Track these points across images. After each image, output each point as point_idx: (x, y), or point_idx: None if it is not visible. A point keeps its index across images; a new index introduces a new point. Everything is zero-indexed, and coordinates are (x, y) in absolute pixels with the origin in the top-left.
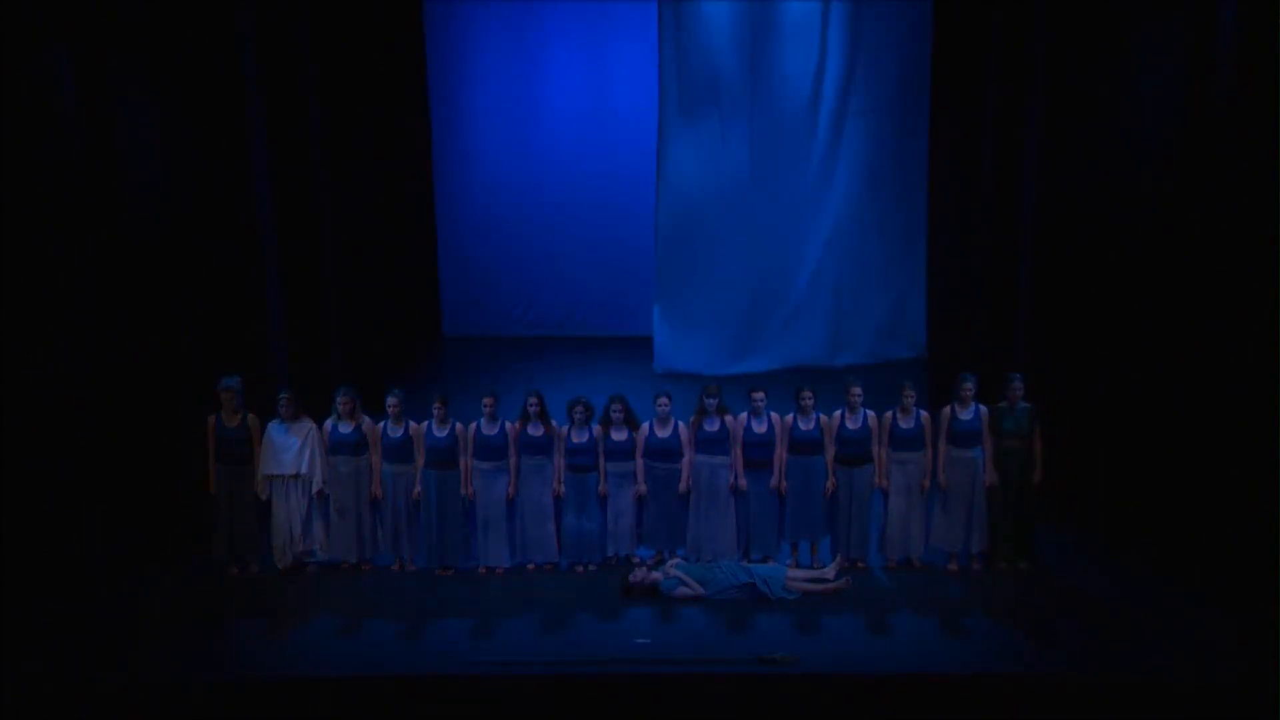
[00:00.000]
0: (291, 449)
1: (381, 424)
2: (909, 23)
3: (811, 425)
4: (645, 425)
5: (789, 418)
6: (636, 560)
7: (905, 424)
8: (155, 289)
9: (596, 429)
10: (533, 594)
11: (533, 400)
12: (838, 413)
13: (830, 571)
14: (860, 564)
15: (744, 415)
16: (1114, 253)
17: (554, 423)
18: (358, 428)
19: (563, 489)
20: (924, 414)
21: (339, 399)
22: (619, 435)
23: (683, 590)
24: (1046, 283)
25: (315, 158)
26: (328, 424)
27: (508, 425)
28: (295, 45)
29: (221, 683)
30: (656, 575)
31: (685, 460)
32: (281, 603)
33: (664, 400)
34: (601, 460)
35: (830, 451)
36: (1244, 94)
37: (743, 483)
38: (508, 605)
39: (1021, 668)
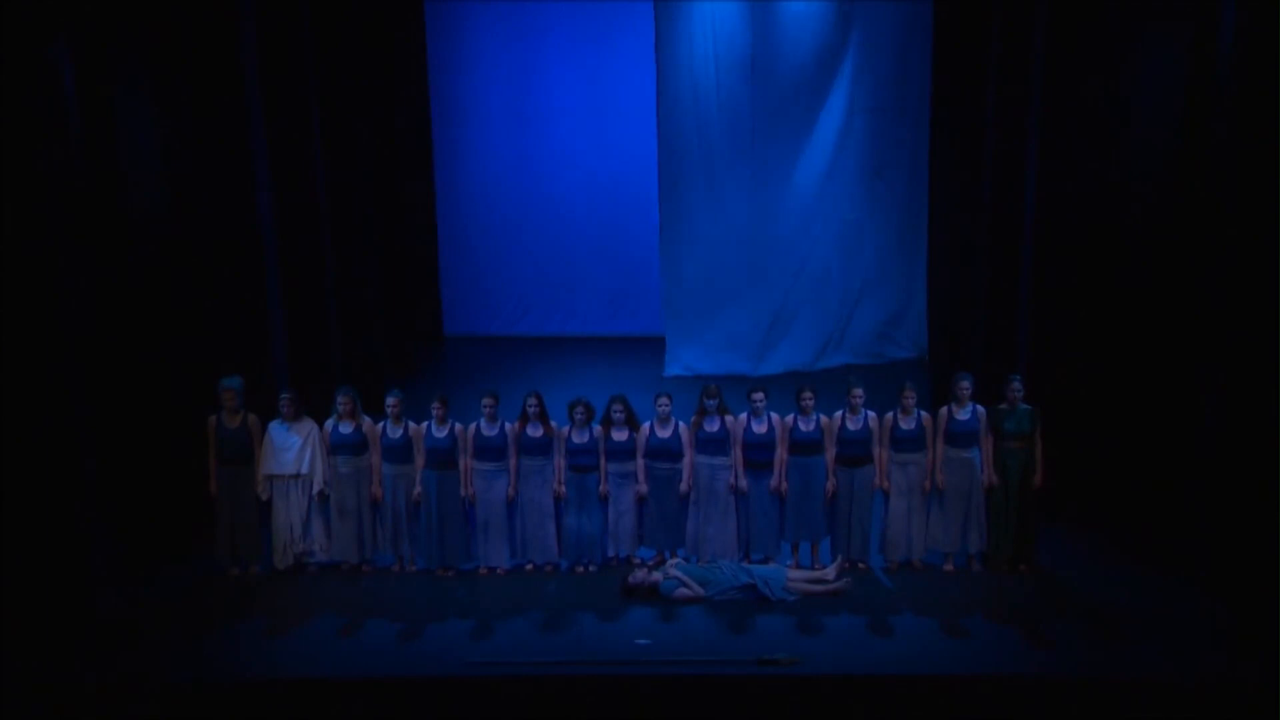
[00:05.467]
0: (292, 449)
1: (381, 424)
2: (909, 22)
3: (812, 426)
4: (646, 425)
5: (789, 418)
6: (637, 561)
7: (906, 425)
8: (156, 289)
9: (597, 429)
10: (533, 595)
11: (532, 401)
12: (838, 414)
13: (831, 572)
14: (861, 565)
15: (744, 416)
16: (1115, 253)
17: (554, 423)
18: (358, 428)
19: (564, 489)
20: (925, 415)
21: (339, 399)
22: (620, 435)
23: (682, 591)
24: (1047, 283)
25: (315, 158)
26: (328, 424)
27: (507, 426)
28: (295, 45)
29: (221, 683)
30: (656, 576)
31: (686, 461)
32: (281, 603)
33: (664, 400)
34: (602, 460)
35: (831, 452)
36: (1245, 96)
37: (743, 483)
38: (508, 606)
39: (1022, 669)
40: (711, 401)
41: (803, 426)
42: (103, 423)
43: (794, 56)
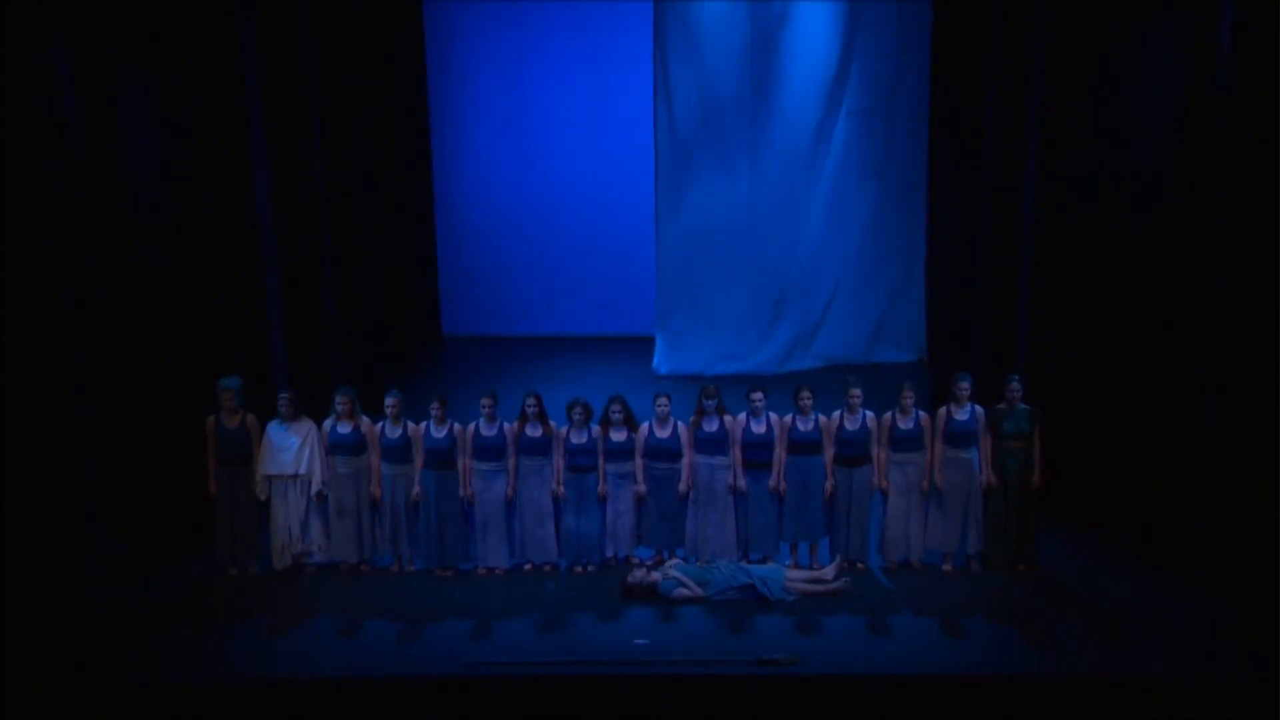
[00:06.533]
0: (291, 449)
1: (380, 424)
2: (909, 23)
3: (810, 426)
4: (645, 426)
5: (788, 418)
6: (635, 561)
7: (904, 425)
8: (155, 289)
9: (596, 429)
10: (532, 595)
11: (531, 401)
12: (837, 413)
13: (829, 572)
14: (859, 565)
15: (743, 416)
16: (1115, 253)
17: (553, 423)
18: (356, 428)
19: (562, 490)
20: (923, 415)
21: (338, 399)
22: (618, 436)
23: (681, 592)
24: (1046, 284)
25: (315, 158)
26: (327, 424)
27: (506, 426)
28: (295, 45)
29: (221, 683)
30: (655, 576)
31: (685, 461)
32: (281, 603)
33: (663, 401)
34: (601, 461)
35: (829, 452)
36: (1244, 95)
37: (742, 483)
38: (507, 606)
39: (1021, 668)
40: (710, 401)
41: (801, 426)
42: (103, 423)
43: (793, 56)
